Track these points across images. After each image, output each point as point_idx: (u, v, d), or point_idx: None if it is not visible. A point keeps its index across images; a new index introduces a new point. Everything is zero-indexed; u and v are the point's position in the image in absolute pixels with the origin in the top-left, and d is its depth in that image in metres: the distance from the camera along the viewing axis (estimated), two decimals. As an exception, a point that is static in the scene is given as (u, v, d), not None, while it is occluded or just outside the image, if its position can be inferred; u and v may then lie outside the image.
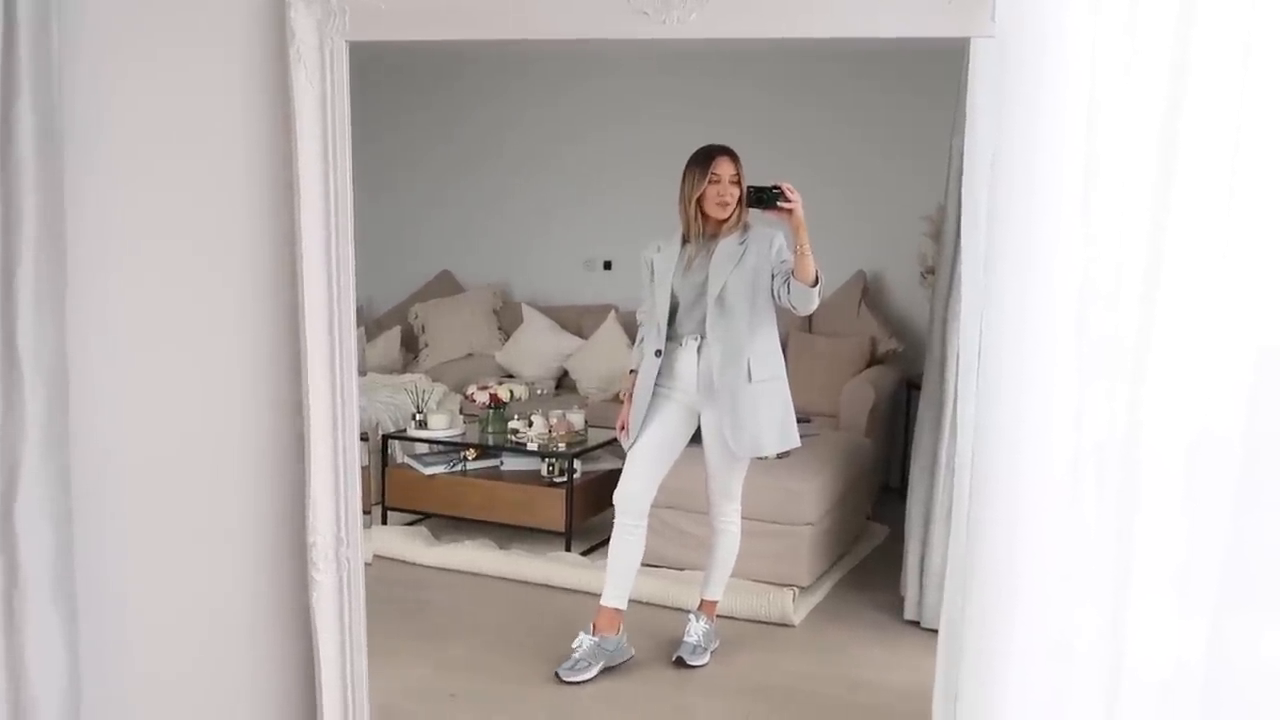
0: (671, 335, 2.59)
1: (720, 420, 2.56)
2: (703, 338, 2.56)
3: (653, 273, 2.62)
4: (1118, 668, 1.50)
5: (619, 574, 2.61)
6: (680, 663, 2.56)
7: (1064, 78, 1.50)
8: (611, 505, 2.67)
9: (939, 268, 2.53)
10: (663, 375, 2.61)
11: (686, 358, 2.59)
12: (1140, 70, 1.46)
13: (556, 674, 2.50)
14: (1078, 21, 1.49)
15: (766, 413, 2.58)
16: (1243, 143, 1.44)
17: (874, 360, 3.04)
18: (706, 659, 2.58)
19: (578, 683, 2.50)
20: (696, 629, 2.61)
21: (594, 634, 2.55)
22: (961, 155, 1.73)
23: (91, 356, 1.82)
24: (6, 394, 1.65)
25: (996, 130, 1.58)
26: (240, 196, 1.85)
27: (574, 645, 2.53)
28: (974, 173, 1.64)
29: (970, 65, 1.61)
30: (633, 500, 2.64)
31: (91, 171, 1.78)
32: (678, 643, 2.60)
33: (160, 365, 1.89)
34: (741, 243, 2.53)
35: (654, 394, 2.62)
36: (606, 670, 2.54)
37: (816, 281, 2.41)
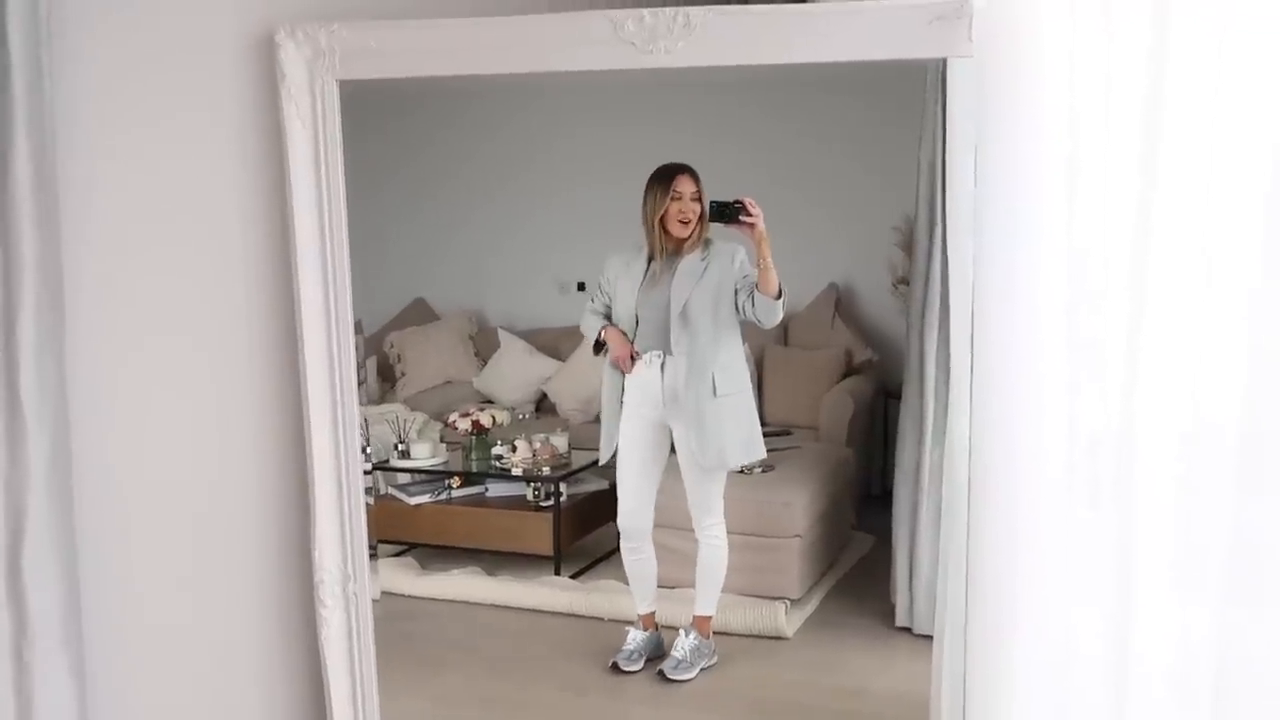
0: (636, 351, 2.62)
1: (687, 434, 2.59)
2: (667, 353, 2.58)
3: (614, 283, 2.64)
4: (1124, 666, 1.53)
5: (639, 586, 2.74)
6: (662, 677, 2.58)
7: (1043, 90, 1.56)
8: (599, 527, 2.71)
9: (912, 278, 2.57)
10: (629, 392, 2.63)
11: (651, 373, 2.61)
12: (1119, 77, 1.52)
13: (615, 664, 2.63)
14: (1054, 35, 1.54)
15: (731, 426, 2.60)
16: (1221, 140, 1.49)
17: (850, 371, 3.07)
18: (693, 674, 2.60)
19: (632, 672, 2.63)
20: (684, 644, 2.63)
21: (643, 629, 2.69)
22: (931, 167, 1.77)
23: (93, 402, 1.81)
24: (11, 443, 1.64)
25: (978, 144, 1.63)
26: (235, 234, 1.85)
27: (628, 640, 2.67)
28: (956, 185, 1.68)
29: (949, 82, 1.66)
30: (631, 519, 2.70)
31: (87, 214, 1.78)
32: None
33: (161, 407, 1.88)
34: (703, 259, 2.55)
35: (624, 408, 2.64)
36: (603, 689, 2.58)
37: (780, 294, 2.44)
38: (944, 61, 1.66)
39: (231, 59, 1.81)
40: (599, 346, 2.68)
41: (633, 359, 2.62)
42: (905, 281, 2.70)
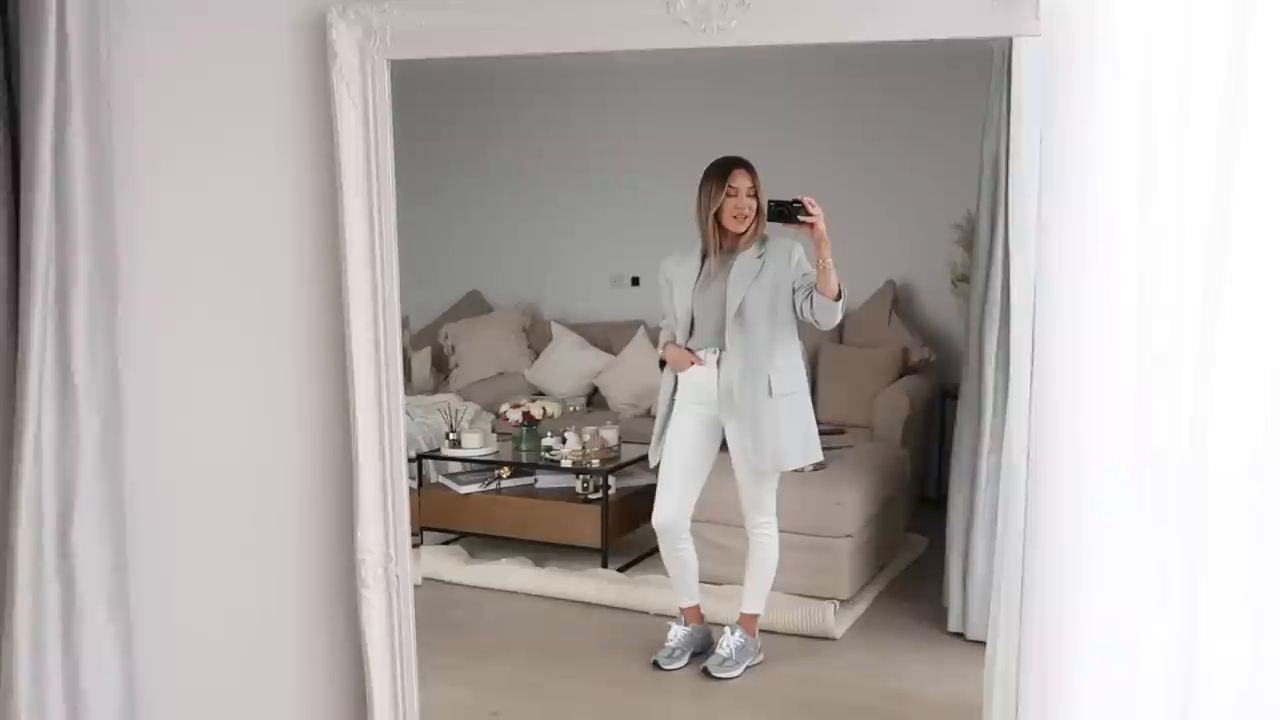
0: (691, 348, 2.58)
1: (741, 435, 2.55)
2: (722, 351, 2.55)
3: (671, 286, 2.62)
4: (1190, 686, 1.46)
5: (680, 581, 2.70)
6: (707, 673, 2.55)
7: (1115, 76, 1.48)
8: (647, 521, 2.67)
9: (973, 277, 2.51)
10: (682, 389, 2.60)
11: (706, 371, 2.57)
12: (1199, 57, 1.43)
13: (655, 663, 2.58)
14: (1128, 16, 1.46)
15: (788, 427, 2.57)
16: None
17: (906, 370, 3.01)
18: (738, 672, 2.56)
19: (673, 670, 2.59)
20: (730, 642, 2.60)
21: (685, 625, 2.64)
22: (994, 161, 1.71)
23: (143, 380, 1.84)
24: (62, 418, 1.66)
25: (1044, 133, 1.56)
26: (285, 216, 1.86)
27: (669, 637, 2.62)
28: (1019, 178, 1.61)
29: (1014, 66, 1.59)
30: (669, 522, 2.66)
31: (140, 196, 1.80)
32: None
33: (209, 386, 1.90)
34: (759, 256, 2.52)
35: (674, 408, 2.61)
36: (647, 683, 2.55)
37: (839, 295, 2.39)
38: (1009, 44, 1.60)
39: (283, 39, 1.82)
40: (663, 364, 2.67)
41: (692, 362, 2.59)
42: (965, 280, 2.63)
